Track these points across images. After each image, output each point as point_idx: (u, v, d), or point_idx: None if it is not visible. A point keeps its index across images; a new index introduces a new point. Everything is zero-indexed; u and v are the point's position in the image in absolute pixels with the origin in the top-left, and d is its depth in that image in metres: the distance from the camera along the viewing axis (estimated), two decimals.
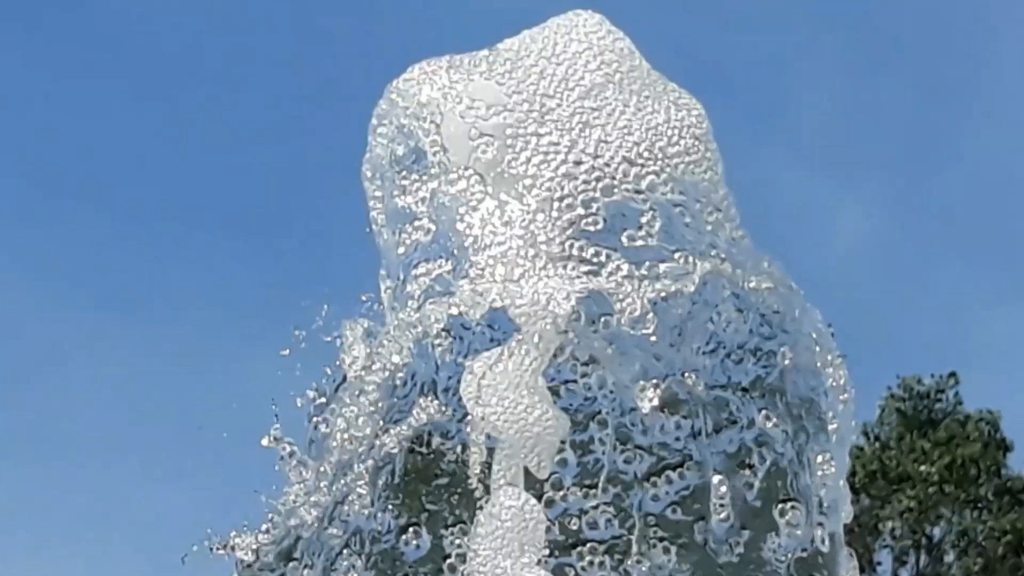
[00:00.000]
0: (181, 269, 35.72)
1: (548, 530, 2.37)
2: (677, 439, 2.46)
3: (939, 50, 36.58)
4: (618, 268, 2.38)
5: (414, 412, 2.44)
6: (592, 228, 2.41)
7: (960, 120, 35.05)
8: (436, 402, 2.45)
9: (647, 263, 2.39)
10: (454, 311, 2.38)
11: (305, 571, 2.47)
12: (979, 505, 25.47)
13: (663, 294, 2.36)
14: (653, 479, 2.46)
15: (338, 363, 2.51)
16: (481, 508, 2.36)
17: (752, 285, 2.45)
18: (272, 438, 2.51)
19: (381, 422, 2.44)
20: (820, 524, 2.44)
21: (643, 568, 2.43)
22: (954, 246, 34.52)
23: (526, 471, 2.37)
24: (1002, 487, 25.53)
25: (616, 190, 2.43)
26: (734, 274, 2.44)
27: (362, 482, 2.43)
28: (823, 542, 2.44)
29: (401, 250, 2.51)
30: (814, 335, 2.48)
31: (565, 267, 2.37)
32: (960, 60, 35.73)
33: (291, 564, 2.48)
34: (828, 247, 33.15)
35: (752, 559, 2.45)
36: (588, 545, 2.44)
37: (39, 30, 34.19)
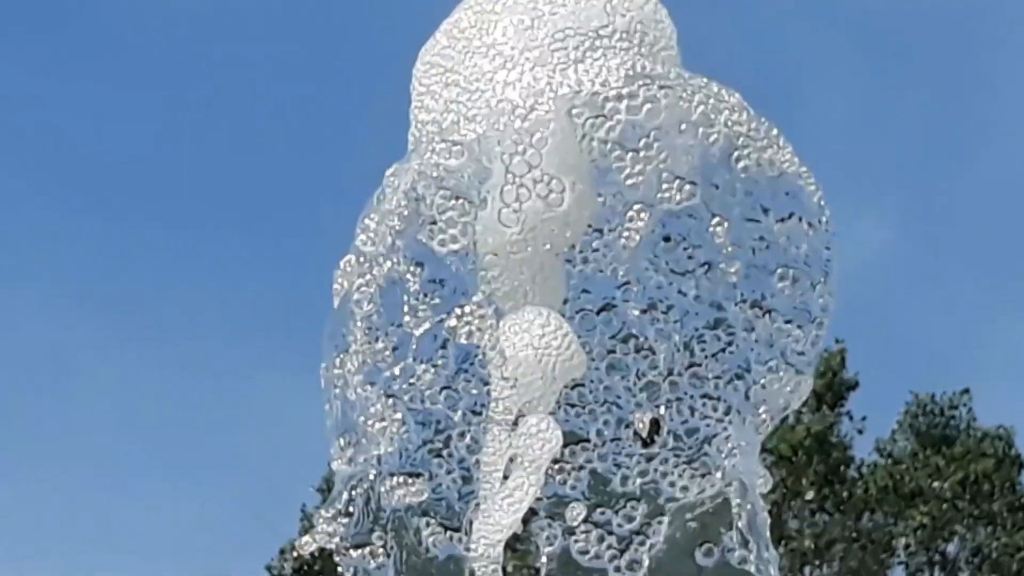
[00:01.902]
0: (189, 279, 35.74)
1: None
2: None
3: (955, 57, 36.54)
4: None
5: None
6: None
7: (973, 131, 34.95)
8: None
9: None
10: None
11: None
12: (994, 522, 25.35)
13: None
14: None
15: None
16: None
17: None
18: None
19: None
20: None
21: None
22: (967, 260, 34.43)
23: None
24: (1016, 503, 25.40)
25: None
26: None
27: None
28: None
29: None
30: None
31: None
32: (977, 68, 35.67)
33: None
34: (841, 260, 32.97)
35: None
36: None
37: (39, 30, 34.26)
